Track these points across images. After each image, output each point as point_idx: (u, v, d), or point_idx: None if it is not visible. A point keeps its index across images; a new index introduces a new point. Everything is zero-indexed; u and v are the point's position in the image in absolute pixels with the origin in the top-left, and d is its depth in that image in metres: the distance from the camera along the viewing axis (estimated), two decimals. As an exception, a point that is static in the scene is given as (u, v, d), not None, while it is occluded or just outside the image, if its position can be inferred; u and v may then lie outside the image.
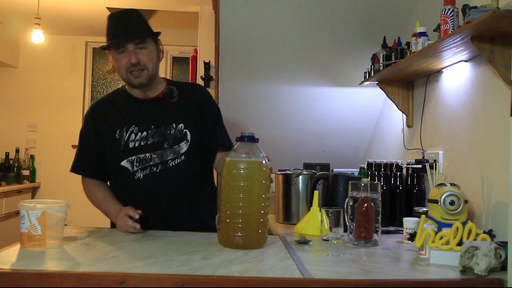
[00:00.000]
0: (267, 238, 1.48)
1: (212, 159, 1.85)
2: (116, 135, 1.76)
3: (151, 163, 1.73)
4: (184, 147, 1.75)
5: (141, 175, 1.73)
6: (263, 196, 1.43)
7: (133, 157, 1.74)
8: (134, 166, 1.74)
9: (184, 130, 1.76)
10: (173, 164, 1.74)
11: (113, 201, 1.76)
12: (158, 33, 1.79)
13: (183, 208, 1.77)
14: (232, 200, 1.41)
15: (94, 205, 1.83)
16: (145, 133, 1.75)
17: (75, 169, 1.86)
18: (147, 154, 1.74)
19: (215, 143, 1.82)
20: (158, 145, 1.74)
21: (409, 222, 1.68)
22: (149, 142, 1.74)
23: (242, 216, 1.40)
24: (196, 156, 1.77)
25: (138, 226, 1.61)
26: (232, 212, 1.41)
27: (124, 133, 1.75)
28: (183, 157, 1.74)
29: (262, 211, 1.43)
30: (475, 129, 1.83)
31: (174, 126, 1.76)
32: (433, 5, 2.14)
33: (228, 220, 1.41)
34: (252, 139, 1.45)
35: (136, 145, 1.74)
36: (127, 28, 1.70)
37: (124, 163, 1.74)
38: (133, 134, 1.75)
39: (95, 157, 1.81)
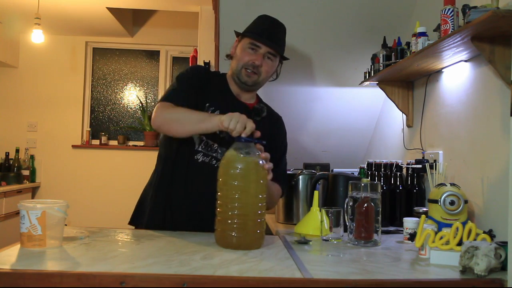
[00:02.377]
0: (264, 239, 1.47)
1: None
2: (206, 107, 1.72)
3: (214, 154, 1.72)
4: None
5: (200, 159, 1.71)
6: (260, 196, 1.43)
7: (204, 139, 1.72)
8: (200, 147, 1.72)
9: None
10: None
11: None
12: (287, 59, 1.83)
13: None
14: (229, 200, 1.41)
15: (171, 119, 1.64)
16: None
17: (169, 99, 1.70)
18: (215, 145, 1.73)
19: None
20: (227, 144, 1.68)
21: (409, 222, 1.69)
22: (221, 136, 1.71)
23: (239, 216, 1.39)
24: None
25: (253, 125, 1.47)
26: (229, 212, 1.40)
27: (209, 112, 1.71)
28: None
29: (259, 211, 1.43)
30: (475, 129, 1.83)
31: None
32: (433, 5, 2.14)
33: (224, 220, 1.41)
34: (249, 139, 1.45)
35: None
36: (273, 36, 1.76)
37: (195, 136, 1.71)
38: None
39: (190, 97, 1.71)
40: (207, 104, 1.73)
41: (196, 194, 1.70)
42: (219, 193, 1.44)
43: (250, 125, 1.46)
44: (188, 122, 1.61)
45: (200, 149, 1.72)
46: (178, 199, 1.72)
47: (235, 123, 1.44)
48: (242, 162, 1.41)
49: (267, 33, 1.75)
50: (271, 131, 1.83)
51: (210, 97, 1.75)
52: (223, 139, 1.70)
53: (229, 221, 1.40)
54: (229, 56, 1.84)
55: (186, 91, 1.73)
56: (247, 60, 1.74)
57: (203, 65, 3.83)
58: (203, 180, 1.69)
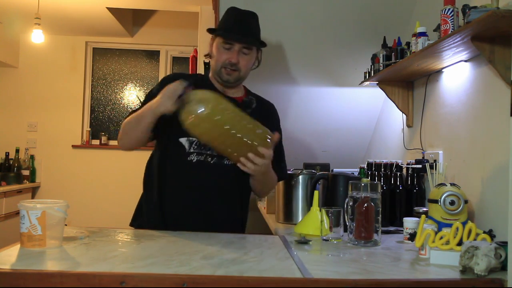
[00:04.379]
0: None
1: None
2: None
3: (208, 152, 1.72)
4: None
5: (195, 159, 1.71)
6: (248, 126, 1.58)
7: (194, 139, 1.71)
8: (192, 148, 1.72)
9: None
10: (227, 163, 1.72)
11: None
12: (264, 45, 1.83)
13: (223, 207, 1.75)
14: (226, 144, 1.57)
15: (128, 130, 1.72)
16: None
17: (126, 118, 1.76)
18: None
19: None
20: None
21: (409, 222, 1.68)
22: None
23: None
24: None
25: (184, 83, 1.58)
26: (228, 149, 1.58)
27: None
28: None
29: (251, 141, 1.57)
30: (475, 129, 1.83)
31: None
32: (433, 5, 2.14)
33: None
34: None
35: None
36: (243, 29, 1.75)
37: (183, 140, 1.72)
38: None
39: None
40: None
41: (196, 190, 1.72)
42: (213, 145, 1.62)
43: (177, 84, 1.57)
44: (132, 130, 1.70)
45: (192, 150, 1.72)
46: (177, 198, 1.73)
47: (165, 98, 1.57)
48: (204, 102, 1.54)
49: (237, 27, 1.74)
50: (264, 120, 1.82)
51: None
52: None
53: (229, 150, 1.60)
54: (208, 56, 1.84)
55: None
56: (224, 59, 1.75)
57: (202, 64, 3.83)
58: (202, 177, 1.72)
